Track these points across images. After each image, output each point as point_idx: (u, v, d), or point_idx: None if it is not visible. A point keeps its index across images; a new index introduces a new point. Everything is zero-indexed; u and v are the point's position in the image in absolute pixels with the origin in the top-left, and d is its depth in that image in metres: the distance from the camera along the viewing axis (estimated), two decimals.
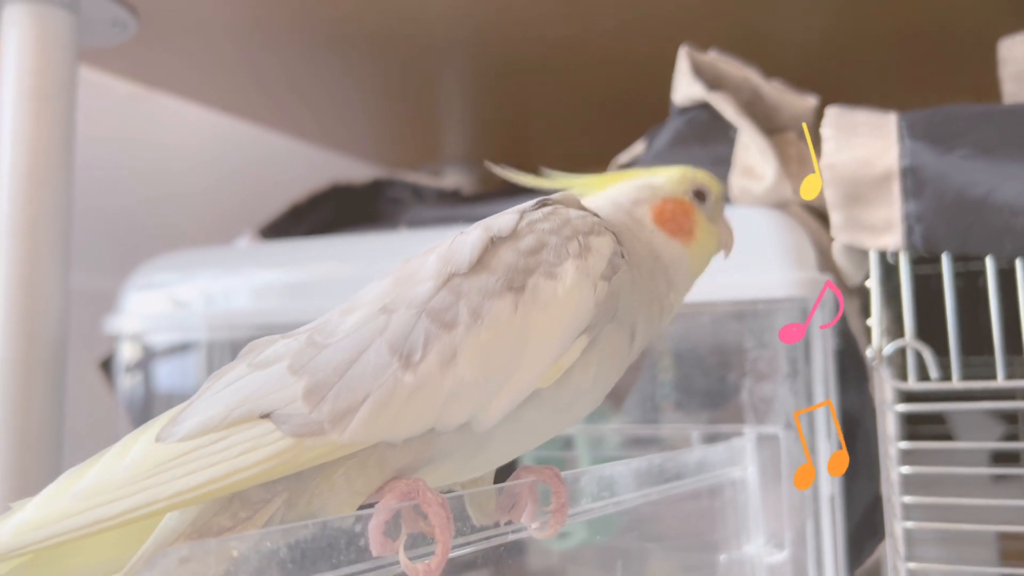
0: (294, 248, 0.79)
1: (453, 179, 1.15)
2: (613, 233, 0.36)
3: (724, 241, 0.43)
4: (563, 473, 0.37)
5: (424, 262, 0.34)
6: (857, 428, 0.64)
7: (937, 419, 0.74)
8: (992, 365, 0.53)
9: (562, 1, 0.74)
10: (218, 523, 0.30)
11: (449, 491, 0.34)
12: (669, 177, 0.40)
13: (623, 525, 0.61)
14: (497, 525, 0.34)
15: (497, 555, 0.36)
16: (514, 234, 0.34)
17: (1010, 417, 0.69)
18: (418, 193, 0.91)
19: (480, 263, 0.33)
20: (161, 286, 0.77)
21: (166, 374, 0.77)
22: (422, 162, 1.17)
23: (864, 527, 0.64)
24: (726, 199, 0.43)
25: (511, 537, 0.34)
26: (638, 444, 0.65)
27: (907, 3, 0.76)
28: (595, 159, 0.78)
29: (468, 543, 0.32)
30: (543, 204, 0.36)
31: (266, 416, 0.30)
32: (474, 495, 0.34)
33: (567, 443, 0.68)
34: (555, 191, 0.40)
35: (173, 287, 0.76)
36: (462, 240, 0.34)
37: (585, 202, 0.39)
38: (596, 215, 0.36)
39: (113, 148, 0.98)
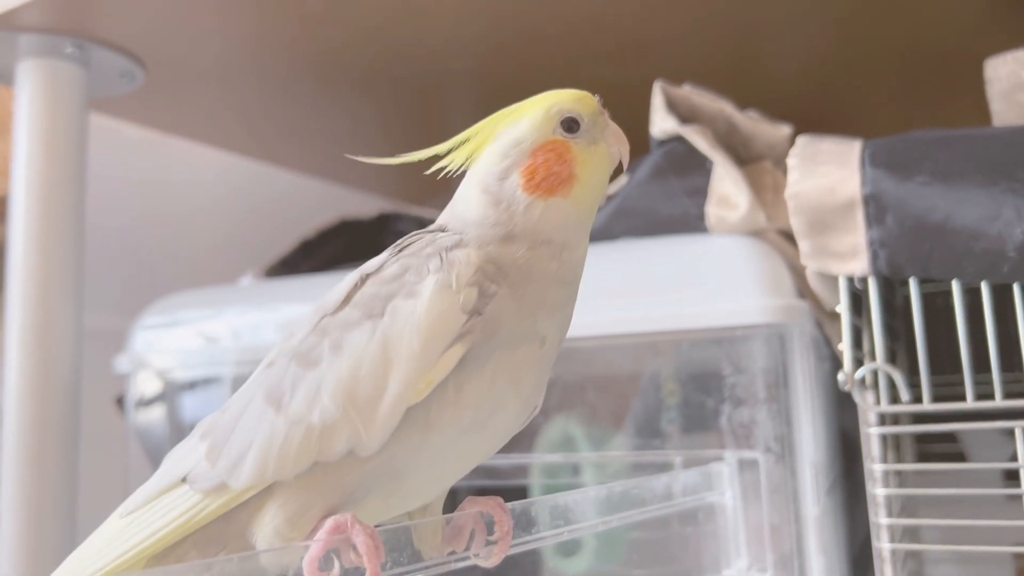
0: (298, 284, 0.81)
1: None
2: (484, 250, 0.35)
3: (615, 152, 0.39)
4: (515, 503, 0.39)
5: (306, 314, 0.36)
6: (856, 451, 0.64)
7: (950, 438, 0.74)
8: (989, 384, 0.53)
9: (563, 47, 0.77)
10: None
11: (397, 523, 0.36)
12: (531, 121, 0.37)
13: (628, 555, 0.62)
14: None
15: None
16: (380, 268, 0.35)
17: None
18: (423, 225, 0.93)
19: (346, 300, 0.35)
20: (170, 325, 0.79)
21: (177, 411, 0.79)
22: (430, 195, 1.19)
23: (867, 550, 0.65)
24: (603, 108, 0.39)
25: (453, 566, 0.35)
26: (639, 470, 0.66)
27: (897, 29, 0.77)
28: None
29: (407, 572, 0.33)
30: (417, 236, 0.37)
31: (183, 480, 0.34)
32: (421, 529, 0.36)
33: (575, 471, 0.69)
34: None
35: (182, 326, 0.79)
36: (339, 285, 0.36)
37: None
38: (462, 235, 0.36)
39: (123, 191, 1.02)
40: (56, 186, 0.72)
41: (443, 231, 0.37)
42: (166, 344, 0.79)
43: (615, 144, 0.39)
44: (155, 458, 0.78)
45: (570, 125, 0.38)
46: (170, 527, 0.33)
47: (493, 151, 0.38)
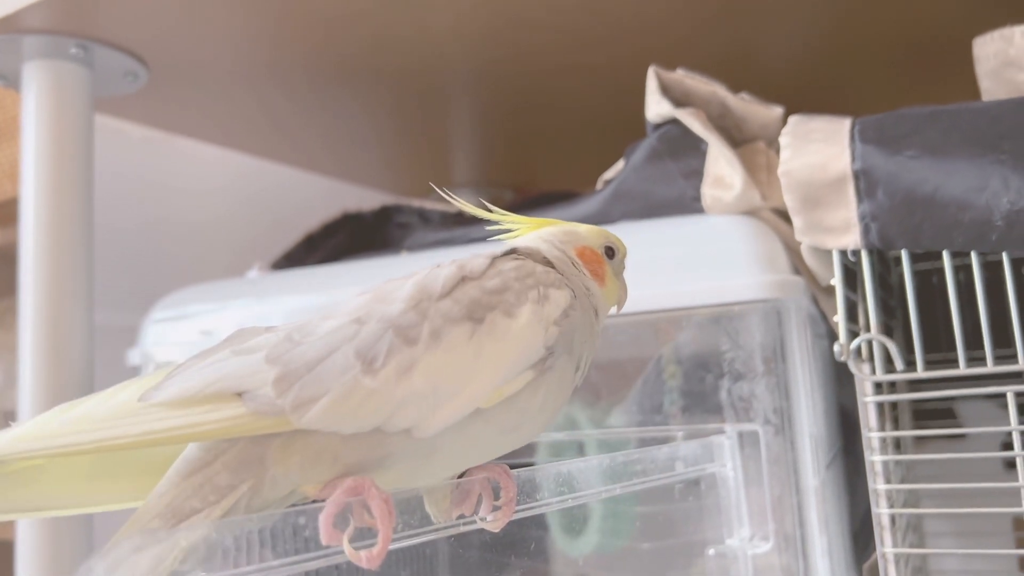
0: (305, 276, 0.83)
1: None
2: (571, 289, 0.40)
3: (621, 297, 0.47)
4: (521, 470, 0.40)
5: (402, 285, 0.38)
6: (855, 430, 0.65)
7: (947, 417, 0.75)
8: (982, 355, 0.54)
9: (561, 35, 0.78)
10: (189, 505, 0.34)
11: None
12: (589, 230, 0.46)
13: (635, 531, 0.63)
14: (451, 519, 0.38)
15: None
16: (483, 275, 0.39)
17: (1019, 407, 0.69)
18: (424, 217, 0.94)
19: (448, 294, 0.37)
20: (180, 319, 0.81)
21: None
22: (428, 189, 1.20)
23: (867, 526, 0.66)
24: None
25: (462, 529, 0.37)
26: (643, 446, 0.68)
27: (887, 11, 0.78)
28: (593, 178, 0.81)
29: (417, 534, 0.35)
30: (512, 253, 0.41)
31: (238, 395, 0.34)
32: (431, 494, 0.38)
33: (580, 449, 0.71)
34: (508, 230, 0.46)
35: (191, 319, 0.81)
36: (437, 272, 0.39)
37: (532, 245, 0.43)
38: (558, 272, 0.41)
39: (131, 190, 1.03)
40: (65, 186, 0.73)
41: (535, 260, 0.42)
42: (175, 337, 0.80)
43: (622, 292, 0.47)
44: None
45: (610, 251, 0.46)
46: (210, 426, 0.33)
47: (554, 229, 0.45)
